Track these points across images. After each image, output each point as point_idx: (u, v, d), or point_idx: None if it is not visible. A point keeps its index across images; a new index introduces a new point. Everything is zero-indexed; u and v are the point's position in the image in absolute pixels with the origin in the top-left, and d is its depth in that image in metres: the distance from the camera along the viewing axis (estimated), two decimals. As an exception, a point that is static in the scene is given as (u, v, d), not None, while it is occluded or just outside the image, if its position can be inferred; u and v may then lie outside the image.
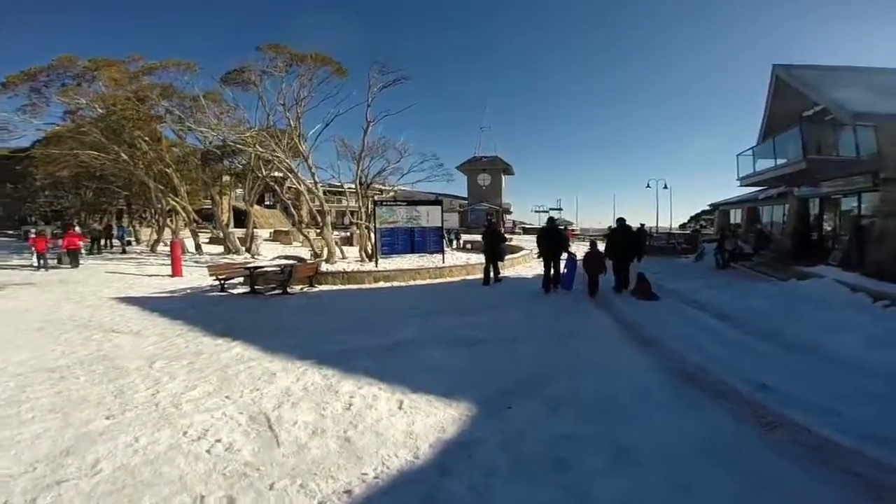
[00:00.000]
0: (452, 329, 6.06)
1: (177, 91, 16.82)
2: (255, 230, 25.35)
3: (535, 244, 9.73)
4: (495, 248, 10.38)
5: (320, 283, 10.71)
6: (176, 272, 12.97)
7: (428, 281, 11.37)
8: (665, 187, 31.85)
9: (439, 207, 12.92)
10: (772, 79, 14.45)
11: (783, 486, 2.52)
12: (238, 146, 16.16)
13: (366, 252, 15.82)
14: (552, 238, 9.02)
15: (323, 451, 2.91)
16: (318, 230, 16.24)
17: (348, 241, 23.21)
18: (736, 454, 2.87)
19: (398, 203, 12.81)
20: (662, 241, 19.31)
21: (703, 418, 3.38)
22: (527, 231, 46.85)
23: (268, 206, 47.28)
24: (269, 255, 20.36)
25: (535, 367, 4.56)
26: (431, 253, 13.07)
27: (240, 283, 10.37)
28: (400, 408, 3.59)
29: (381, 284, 10.83)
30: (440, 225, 12.95)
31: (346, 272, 11.11)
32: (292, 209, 17.77)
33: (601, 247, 9.33)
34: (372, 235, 12.59)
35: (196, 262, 16.60)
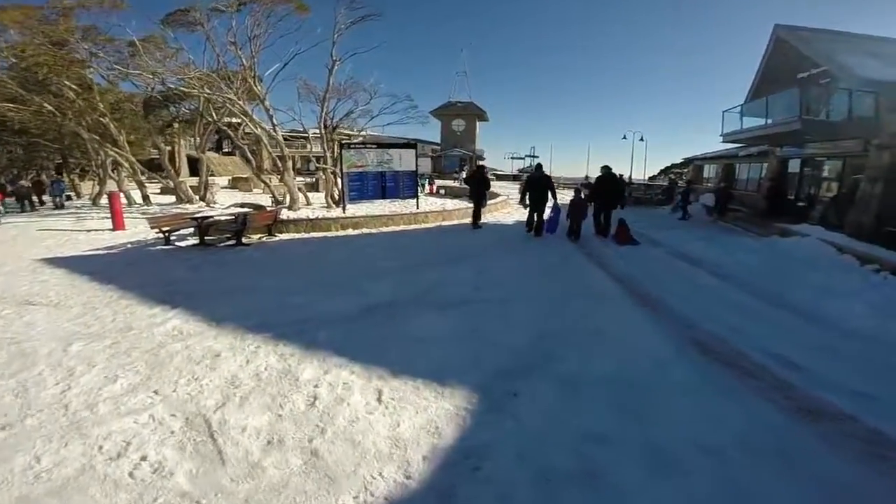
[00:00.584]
0: (434, 286, 5.36)
1: (103, 34, 14.23)
2: (211, 178, 23.26)
3: (520, 190, 10.41)
4: (482, 193, 10.32)
5: (281, 232, 9.66)
6: (117, 226, 11.49)
7: (402, 227, 10.55)
8: (641, 139, 31.18)
9: (413, 151, 11.78)
10: (771, 39, 14.03)
11: (859, 492, 2.06)
12: (182, 91, 14.06)
13: (332, 198, 14.64)
14: (540, 185, 9.15)
15: (283, 473, 2.20)
16: (280, 176, 14.83)
17: (314, 188, 21.71)
18: (790, 452, 2.40)
19: (367, 146, 11.55)
20: (640, 192, 18.96)
21: (737, 404, 2.89)
22: (499, 178, 45.94)
23: (226, 153, 43.89)
24: (226, 203, 18.77)
25: (535, 336, 3.95)
26: (404, 199, 12.09)
27: (190, 235, 9.18)
28: (379, 400, 2.90)
29: (350, 232, 9.91)
30: (414, 169, 11.89)
31: (310, 219, 10.05)
32: (249, 155, 15.99)
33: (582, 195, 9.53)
34: (339, 181, 11.38)
35: (144, 214, 14.99)
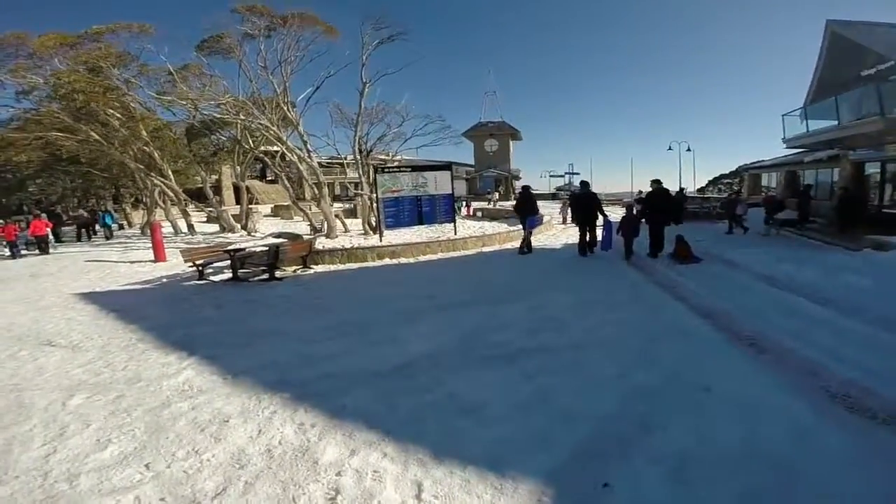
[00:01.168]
0: (482, 330, 4.56)
1: (137, 60, 14.89)
2: (255, 206, 23.84)
3: (561, 210, 9.96)
4: (530, 217, 9.71)
5: (316, 263, 9.27)
6: (159, 257, 11.60)
7: (440, 255, 9.89)
8: (688, 150, 29.41)
9: (448, 172, 11.26)
10: (825, 36, 12.75)
11: None
12: (219, 117, 14.44)
13: (369, 224, 14.34)
14: (588, 202, 8.80)
15: None
16: (317, 203, 14.77)
17: (352, 214, 21.72)
18: None
19: (402, 170, 11.15)
20: (696, 206, 17.47)
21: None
22: (538, 197, 44.54)
23: (270, 181, 45.56)
24: (267, 231, 19.02)
25: (623, 397, 3.07)
26: (441, 223, 11.51)
27: (225, 269, 8.95)
28: (419, 498, 2.16)
29: (387, 262, 9.35)
30: (450, 192, 11.32)
31: (346, 249, 9.62)
32: (287, 182, 16.10)
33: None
34: (375, 207, 10.99)
35: (188, 243, 15.30)
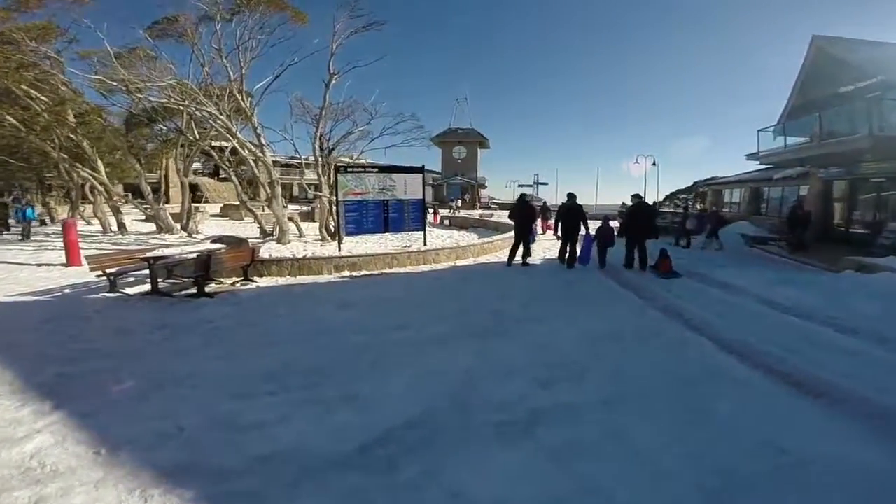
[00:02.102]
0: (480, 380, 3.42)
1: (64, 33, 12.85)
2: (202, 204, 21.63)
3: (558, 221, 9.15)
4: (527, 227, 9.06)
5: (260, 275, 7.87)
6: (72, 261, 9.70)
7: (408, 269, 8.73)
8: (654, 164, 29.87)
9: (420, 176, 10.17)
10: (809, 52, 12.83)
11: None
12: (163, 104, 12.62)
13: (327, 230, 12.98)
14: (573, 215, 8.72)
15: None
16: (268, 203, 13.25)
17: (311, 217, 20.14)
18: None
19: (368, 170, 9.91)
20: (667, 220, 17.35)
21: None
22: (502, 207, 44.35)
23: (223, 179, 42.59)
24: (211, 233, 17.14)
25: (692, 483, 2.11)
26: (410, 231, 10.38)
27: (147, 278, 7.37)
28: None
29: (346, 276, 8.08)
30: (421, 197, 10.23)
31: (297, 259, 8.22)
32: (236, 180, 14.42)
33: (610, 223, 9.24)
34: (335, 210, 9.70)
35: (116, 244, 13.31)
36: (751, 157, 16.44)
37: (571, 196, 8.91)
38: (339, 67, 12.56)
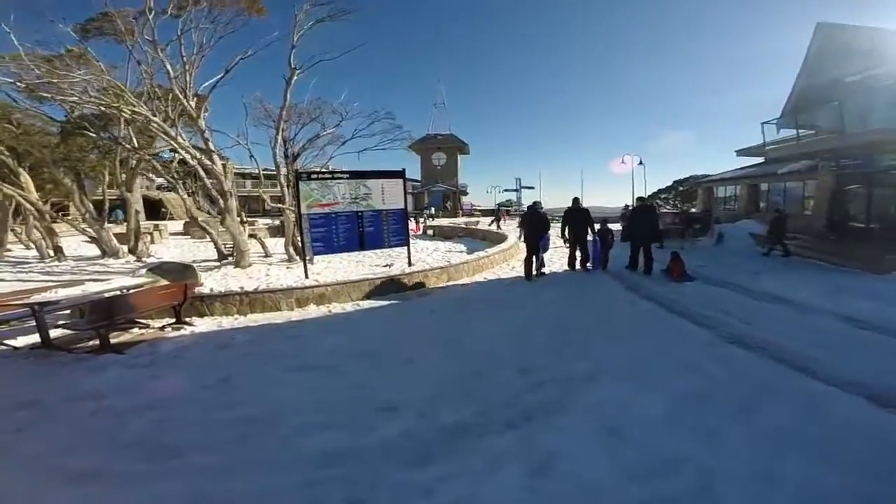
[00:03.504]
0: None
1: None
2: (165, 222, 19.40)
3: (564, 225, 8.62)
4: (540, 237, 8.18)
5: (202, 314, 6.11)
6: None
7: (391, 297, 7.06)
8: (640, 163, 28.93)
9: (401, 181, 8.53)
10: (813, 40, 12.00)
11: None
12: (97, 110, 10.74)
13: (295, 248, 11.24)
14: (581, 219, 8.42)
15: None
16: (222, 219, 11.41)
17: (281, 232, 18.23)
18: None
19: (337, 175, 8.23)
20: (668, 221, 16.22)
21: None
22: (485, 213, 42.89)
23: (191, 193, 40.02)
24: (166, 255, 15.12)
25: None
26: (392, 247, 8.73)
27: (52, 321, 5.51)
28: None
29: (311, 312, 6.38)
30: (402, 207, 8.60)
31: (248, 294, 6.40)
32: (184, 193, 12.53)
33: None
34: (303, 224, 7.94)
35: (49, 273, 11.28)
36: (742, 152, 15.59)
37: (577, 201, 8.58)
38: (300, 61, 10.93)
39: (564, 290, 6.95)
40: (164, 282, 6.52)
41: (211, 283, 9.33)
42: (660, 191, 56.82)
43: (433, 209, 36.57)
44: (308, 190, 7.64)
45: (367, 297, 6.88)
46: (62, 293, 5.26)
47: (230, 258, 10.87)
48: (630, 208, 12.99)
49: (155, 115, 9.07)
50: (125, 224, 15.48)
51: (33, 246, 15.27)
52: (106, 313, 4.56)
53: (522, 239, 10.65)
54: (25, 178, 12.99)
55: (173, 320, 5.76)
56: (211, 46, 10.41)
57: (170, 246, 17.44)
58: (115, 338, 5.02)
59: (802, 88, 12.92)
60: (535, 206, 8.68)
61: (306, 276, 7.68)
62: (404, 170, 8.60)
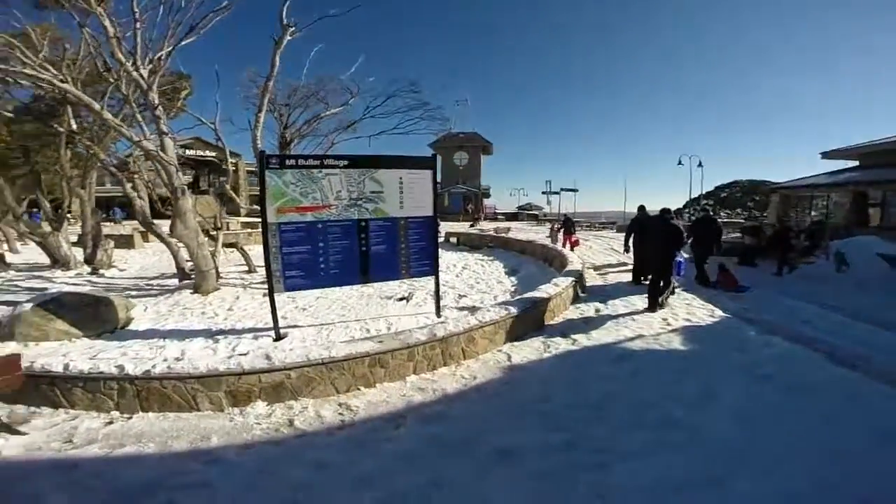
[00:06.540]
0: None
1: None
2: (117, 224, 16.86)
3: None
4: (670, 257, 6.20)
5: (55, 405, 3.15)
6: None
7: (411, 388, 3.90)
8: (699, 165, 25.41)
9: (429, 173, 5.43)
10: None
11: None
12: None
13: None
14: (710, 231, 7.75)
15: None
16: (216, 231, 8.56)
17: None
18: None
19: (329, 163, 5.14)
20: (738, 237, 12.82)
21: None
22: (509, 218, 39.51)
23: (202, 192, 37.77)
24: (138, 265, 12.44)
25: None
26: (412, 277, 5.60)
27: None
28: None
29: (261, 419, 3.35)
30: (430, 214, 5.47)
31: (133, 380, 3.30)
32: (142, 193, 9.74)
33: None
34: (270, 240, 4.87)
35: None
36: (831, 154, 12.33)
37: (665, 211, 6.95)
38: (293, 18, 8.01)
39: (716, 347, 3.76)
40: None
41: (151, 314, 6.54)
42: (701, 196, 52.60)
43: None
44: (279, 185, 4.63)
45: (367, 383, 3.75)
46: None
47: (189, 278, 8.00)
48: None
49: (66, 82, 6.22)
50: (125, 224, 12.88)
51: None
52: None
53: (629, 252, 8.56)
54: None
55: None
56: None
57: (148, 253, 14.72)
58: None
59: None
60: (666, 214, 6.39)
61: (275, 324, 4.69)
62: (435, 156, 5.53)
